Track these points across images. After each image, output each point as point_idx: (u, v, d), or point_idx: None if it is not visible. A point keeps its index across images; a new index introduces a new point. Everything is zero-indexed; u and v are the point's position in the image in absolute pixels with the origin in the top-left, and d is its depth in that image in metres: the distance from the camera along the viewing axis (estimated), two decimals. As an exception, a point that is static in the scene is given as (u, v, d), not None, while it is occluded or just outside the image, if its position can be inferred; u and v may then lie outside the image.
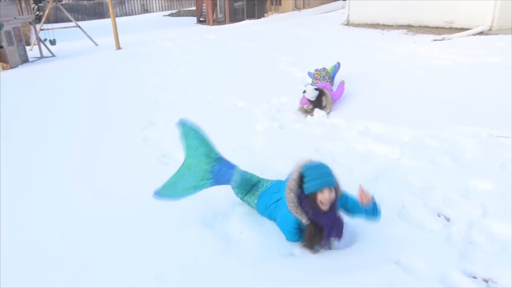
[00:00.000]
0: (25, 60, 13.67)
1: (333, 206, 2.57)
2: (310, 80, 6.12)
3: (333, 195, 2.52)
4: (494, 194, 3.09)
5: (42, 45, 14.68)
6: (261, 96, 6.16)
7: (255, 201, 3.11)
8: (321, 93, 5.15)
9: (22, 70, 11.35)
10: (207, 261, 2.61)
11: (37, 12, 18.91)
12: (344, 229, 2.61)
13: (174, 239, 2.88)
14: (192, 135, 3.08)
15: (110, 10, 14.02)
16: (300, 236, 2.68)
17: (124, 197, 3.54)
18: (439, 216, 2.94)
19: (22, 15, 13.49)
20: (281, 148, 4.28)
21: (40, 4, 19.02)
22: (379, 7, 11.37)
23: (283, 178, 3.43)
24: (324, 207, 2.53)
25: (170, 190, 3.04)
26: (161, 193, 3.03)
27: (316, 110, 5.14)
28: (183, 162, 3.16)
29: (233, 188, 3.21)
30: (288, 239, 2.73)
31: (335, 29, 12.39)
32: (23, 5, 13.79)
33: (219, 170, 3.11)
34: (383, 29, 10.95)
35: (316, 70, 6.05)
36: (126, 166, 4.23)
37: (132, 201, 3.46)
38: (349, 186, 3.43)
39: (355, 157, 3.98)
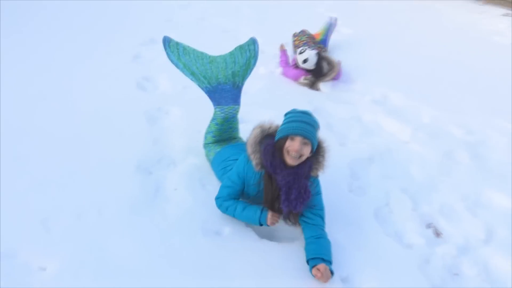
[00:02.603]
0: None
1: (301, 167, 1.96)
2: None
3: (305, 150, 1.92)
4: (509, 216, 2.36)
5: None
6: (283, 36, 5.34)
7: (217, 149, 2.52)
8: (319, 58, 3.98)
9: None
10: (116, 215, 2.08)
11: None
12: (306, 201, 1.96)
13: (97, 179, 2.36)
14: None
15: None
16: (230, 205, 2.10)
17: (70, 115, 3.01)
18: (428, 228, 2.26)
19: None
20: (275, 99, 3.59)
21: None
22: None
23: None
24: (289, 160, 1.93)
25: (175, 50, 2.50)
26: (168, 43, 2.49)
27: (322, 85, 3.94)
28: (209, 56, 2.60)
29: (213, 119, 2.55)
30: (218, 203, 2.15)
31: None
32: None
33: (225, 90, 2.52)
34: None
35: (294, 35, 4.72)
36: (101, 81, 3.67)
37: (75, 121, 2.93)
38: (337, 158, 2.80)
39: (357, 127, 3.25)
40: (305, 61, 3.94)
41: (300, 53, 4.05)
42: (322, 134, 3.04)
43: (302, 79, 3.99)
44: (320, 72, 3.97)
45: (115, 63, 4.10)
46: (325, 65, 3.99)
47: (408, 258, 2.01)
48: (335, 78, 4.00)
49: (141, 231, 2.00)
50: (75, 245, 1.86)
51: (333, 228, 2.07)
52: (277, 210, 2.02)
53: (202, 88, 2.55)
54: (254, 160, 1.99)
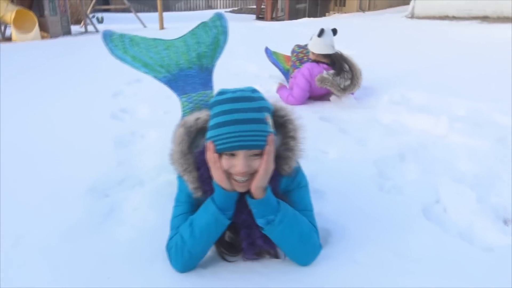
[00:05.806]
0: (67, 32, 13.11)
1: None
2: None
3: (258, 163, 1.14)
4: None
5: (88, 22, 14.34)
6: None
7: None
8: (339, 54, 3.16)
9: (58, 40, 10.83)
10: (35, 246, 1.40)
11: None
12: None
13: (30, 206, 1.71)
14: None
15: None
16: (180, 235, 1.22)
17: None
18: (506, 224, 1.52)
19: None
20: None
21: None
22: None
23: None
24: (237, 186, 1.17)
25: (120, 44, 1.96)
26: (109, 37, 1.96)
27: (347, 97, 3.14)
28: (165, 42, 2.05)
29: (182, 116, 1.85)
30: (171, 255, 1.24)
31: (395, 20, 10.77)
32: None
33: (191, 76, 1.93)
34: (451, 21, 9.24)
35: (298, 46, 3.85)
36: (74, 112, 3.16)
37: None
38: (357, 157, 2.15)
39: (376, 128, 2.60)
40: (321, 33, 3.17)
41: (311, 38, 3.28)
42: (334, 137, 2.43)
43: (324, 73, 3.10)
44: (341, 68, 3.12)
45: (94, 98, 3.63)
46: (346, 68, 3.14)
47: (491, 262, 1.26)
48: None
49: (68, 261, 1.30)
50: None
51: (373, 233, 1.37)
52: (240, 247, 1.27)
53: (160, 79, 1.95)
54: (190, 184, 1.22)
